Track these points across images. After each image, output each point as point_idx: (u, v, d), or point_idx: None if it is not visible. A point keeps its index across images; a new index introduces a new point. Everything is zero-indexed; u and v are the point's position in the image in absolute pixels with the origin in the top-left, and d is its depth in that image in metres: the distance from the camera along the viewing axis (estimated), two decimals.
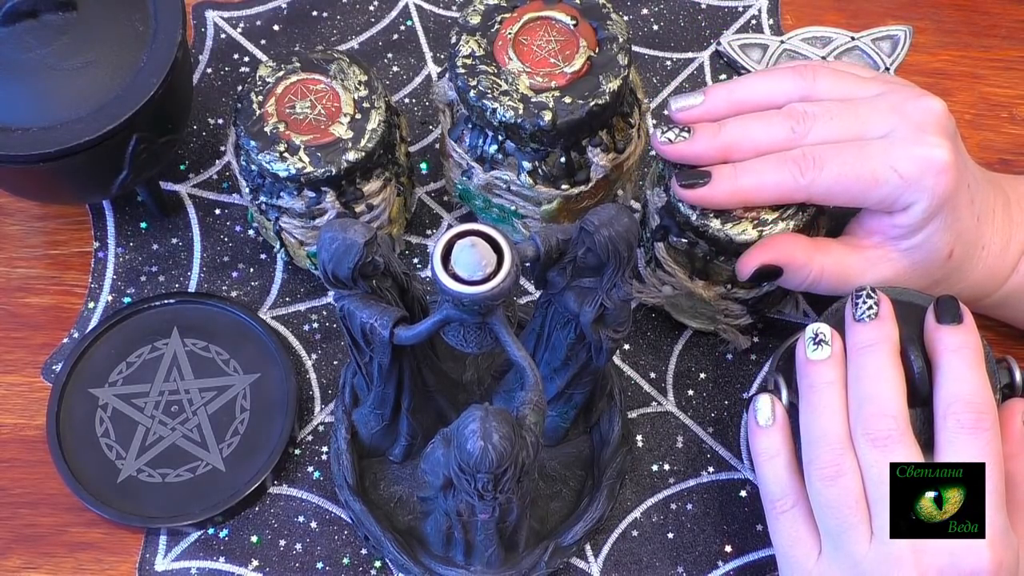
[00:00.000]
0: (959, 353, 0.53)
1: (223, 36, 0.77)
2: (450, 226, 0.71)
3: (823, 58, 0.76)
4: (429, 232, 0.71)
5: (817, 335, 0.55)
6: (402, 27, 0.77)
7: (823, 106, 0.58)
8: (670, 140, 0.58)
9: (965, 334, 0.54)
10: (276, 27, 0.77)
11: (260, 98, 0.62)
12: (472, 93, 0.59)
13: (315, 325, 0.69)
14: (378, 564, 0.63)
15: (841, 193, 0.56)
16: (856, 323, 0.55)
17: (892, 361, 0.53)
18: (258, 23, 0.77)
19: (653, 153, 0.73)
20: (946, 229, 0.57)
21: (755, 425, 0.57)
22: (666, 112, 0.60)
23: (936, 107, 0.57)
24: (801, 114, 0.57)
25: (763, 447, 0.56)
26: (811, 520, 0.54)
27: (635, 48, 0.76)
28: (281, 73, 0.63)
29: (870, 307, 0.55)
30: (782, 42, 0.77)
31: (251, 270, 0.70)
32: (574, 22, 0.61)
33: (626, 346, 0.68)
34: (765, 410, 0.57)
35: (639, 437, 0.66)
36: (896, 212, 0.57)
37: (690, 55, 0.77)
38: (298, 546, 0.63)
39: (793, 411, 0.56)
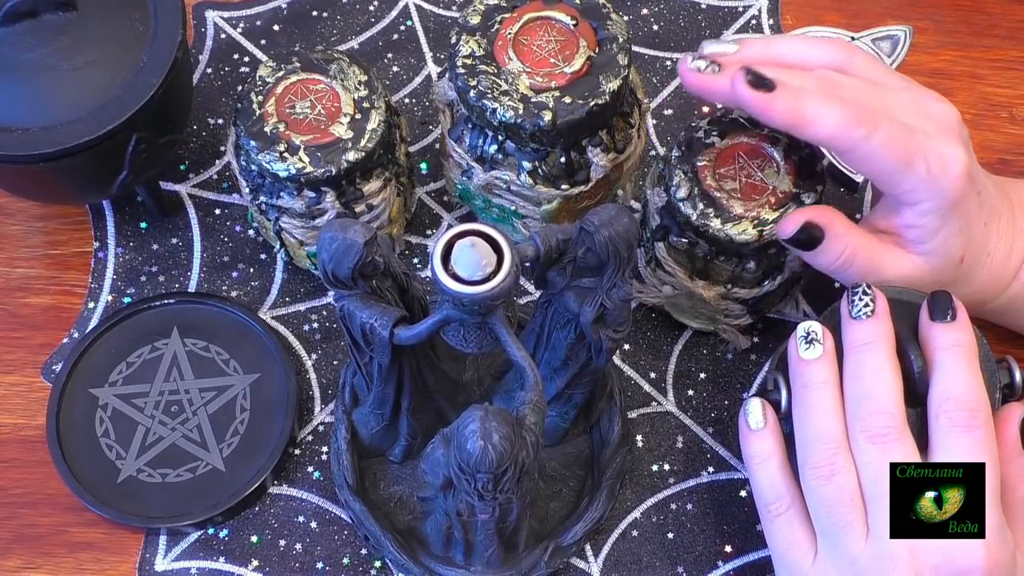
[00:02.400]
0: (951, 351, 0.53)
1: (223, 36, 0.77)
2: (450, 226, 0.71)
3: None
4: (429, 232, 0.71)
5: (809, 334, 0.55)
6: (402, 27, 0.77)
7: (852, 80, 0.57)
8: (699, 69, 0.57)
9: (958, 332, 0.54)
10: (276, 27, 0.77)
11: (260, 98, 0.62)
12: (472, 93, 0.59)
13: (315, 325, 0.69)
14: (378, 564, 0.63)
15: (880, 161, 0.55)
16: (852, 320, 0.55)
17: (889, 359, 0.53)
18: (258, 23, 0.77)
19: (653, 153, 0.73)
20: (959, 234, 0.57)
21: (746, 429, 0.57)
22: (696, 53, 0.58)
23: (953, 113, 0.57)
24: (830, 81, 0.56)
25: (755, 450, 0.56)
26: (807, 522, 0.54)
27: (635, 48, 0.76)
28: (281, 73, 0.63)
29: (866, 304, 0.55)
30: None
31: (251, 270, 0.70)
32: (574, 22, 0.61)
33: (626, 346, 0.68)
34: (756, 413, 0.57)
35: (639, 437, 0.66)
36: (904, 206, 0.57)
37: None
38: (298, 546, 0.63)
39: (790, 413, 0.56)
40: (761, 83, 0.55)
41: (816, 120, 0.55)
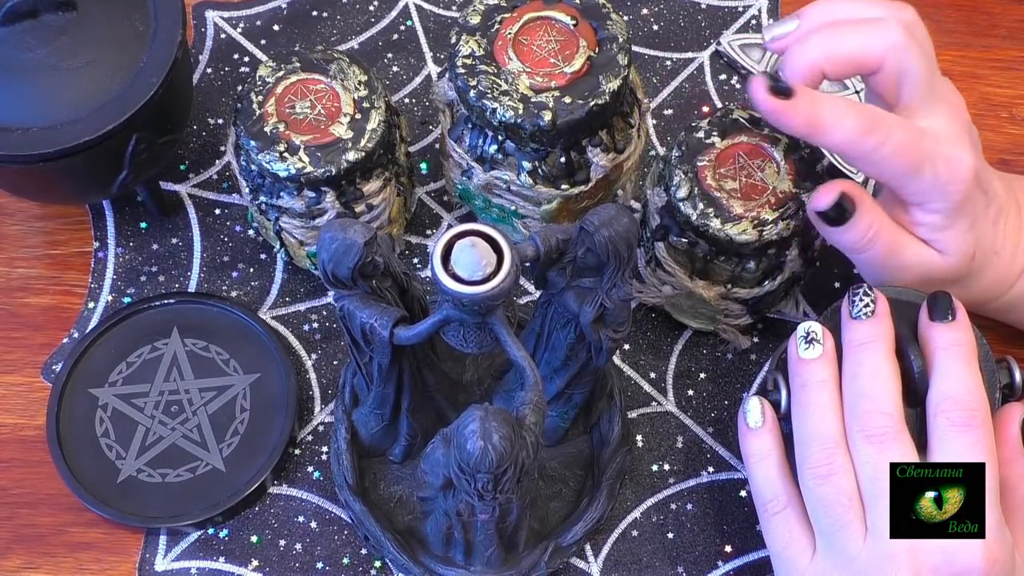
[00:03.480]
0: (950, 351, 0.53)
1: (223, 36, 0.77)
2: (450, 226, 0.71)
3: None
4: (429, 232, 0.71)
5: (808, 334, 0.55)
6: (402, 27, 0.77)
7: (920, 46, 0.56)
8: (773, 81, 0.55)
9: (957, 331, 0.54)
10: (276, 27, 0.77)
11: (260, 98, 0.62)
12: (472, 93, 0.59)
13: (315, 325, 0.69)
14: (378, 564, 0.63)
15: (889, 167, 0.55)
16: (852, 320, 0.55)
17: (888, 359, 0.53)
18: (258, 23, 0.77)
19: (653, 153, 0.73)
20: (968, 231, 0.57)
21: (745, 427, 0.57)
22: (760, 41, 0.57)
23: (965, 110, 0.57)
24: (911, 35, 0.56)
25: (753, 448, 0.56)
26: (804, 520, 0.54)
27: (635, 48, 0.76)
28: (281, 73, 0.63)
29: (867, 304, 0.55)
30: None
31: (251, 270, 0.70)
32: (574, 22, 0.61)
33: (626, 346, 0.68)
34: (755, 412, 0.57)
35: (639, 437, 0.66)
36: (910, 206, 0.57)
37: (690, 55, 0.77)
38: (298, 546, 0.63)
39: (790, 412, 0.56)
40: (780, 90, 0.54)
41: (833, 128, 0.55)
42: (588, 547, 0.63)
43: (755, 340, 0.68)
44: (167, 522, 0.62)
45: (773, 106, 0.54)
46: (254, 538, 0.63)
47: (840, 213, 0.57)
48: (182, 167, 0.73)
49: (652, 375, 0.68)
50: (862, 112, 0.55)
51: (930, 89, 0.56)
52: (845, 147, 0.55)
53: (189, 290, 0.69)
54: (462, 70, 0.60)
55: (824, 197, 0.56)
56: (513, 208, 0.65)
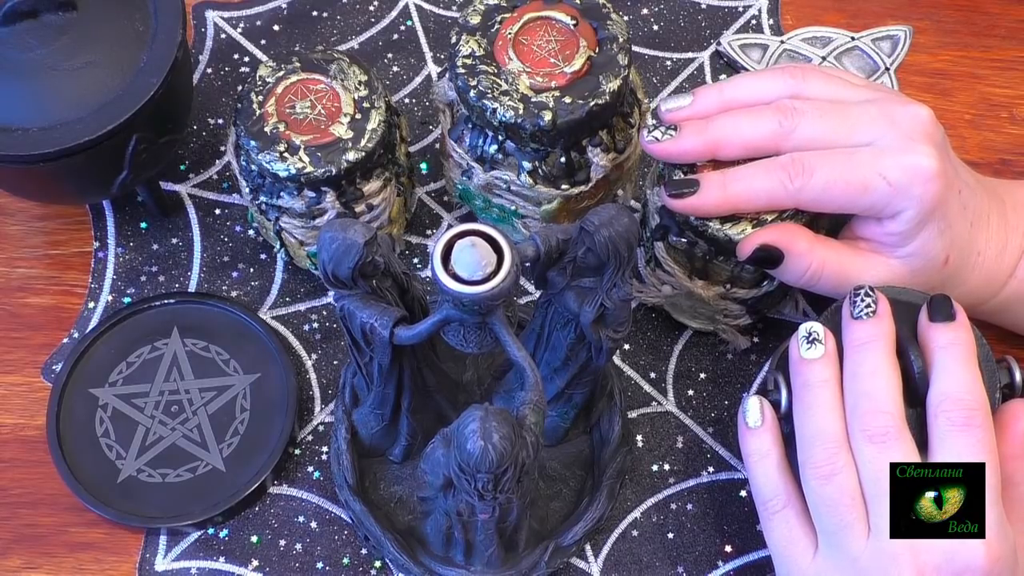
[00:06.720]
0: (949, 350, 0.53)
1: (223, 36, 0.77)
2: (450, 226, 0.71)
3: (823, 58, 0.76)
4: (429, 232, 0.71)
5: (811, 334, 0.55)
6: (402, 27, 0.77)
7: (812, 103, 0.58)
8: (657, 139, 0.58)
9: (956, 331, 0.54)
10: (276, 27, 0.77)
11: (260, 98, 0.62)
12: (472, 93, 0.59)
13: (315, 325, 0.69)
14: (378, 564, 0.63)
15: (830, 200, 0.57)
16: (854, 320, 0.55)
17: (889, 358, 0.53)
18: (258, 23, 0.77)
19: None
20: (940, 236, 0.57)
21: (744, 427, 0.57)
22: (655, 113, 0.60)
23: (924, 115, 0.57)
24: (790, 109, 0.57)
25: (753, 448, 0.57)
26: (805, 519, 0.54)
27: (635, 48, 0.76)
28: (281, 73, 0.63)
29: (868, 305, 0.55)
30: (782, 42, 0.77)
31: (251, 270, 0.70)
32: (574, 22, 0.61)
33: (626, 346, 0.68)
34: (754, 411, 0.57)
35: (639, 437, 0.66)
36: (885, 219, 0.57)
37: (690, 55, 0.77)
38: (298, 546, 0.63)
39: (790, 412, 0.56)
40: (683, 188, 0.57)
41: (748, 197, 0.57)
42: (588, 547, 0.63)
43: (755, 340, 0.68)
44: (167, 522, 0.62)
45: (686, 205, 0.58)
46: (254, 538, 0.63)
47: (767, 258, 0.58)
48: (182, 167, 0.73)
49: (652, 375, 0.68)
50: (772, 168, 0.57)
51: (848, 126, 0.57)
52: (773, 205, 0.57)
53: (189, 290, 0.69)
54: (462, 70, 0.60)
55: (745, 248, 0.58)
56: (513, 208, 0.65)
